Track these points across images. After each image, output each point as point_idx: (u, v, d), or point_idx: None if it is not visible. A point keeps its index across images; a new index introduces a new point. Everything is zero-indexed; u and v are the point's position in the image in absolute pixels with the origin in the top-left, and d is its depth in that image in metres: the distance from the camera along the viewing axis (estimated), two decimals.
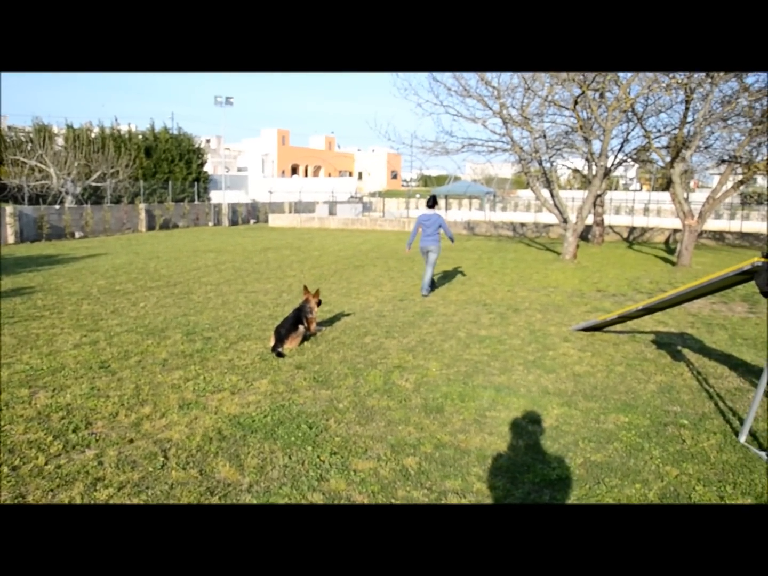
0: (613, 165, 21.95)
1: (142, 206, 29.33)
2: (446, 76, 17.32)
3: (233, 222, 35.03)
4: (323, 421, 5.11)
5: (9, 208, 22.67)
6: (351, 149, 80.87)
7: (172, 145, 37.37)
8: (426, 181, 73.82)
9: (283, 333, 7.27)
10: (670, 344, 7.76)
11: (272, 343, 7.22)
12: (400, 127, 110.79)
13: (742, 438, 4.78)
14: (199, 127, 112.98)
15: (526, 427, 5.02)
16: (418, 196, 48.94)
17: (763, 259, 4.93)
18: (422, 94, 51.06)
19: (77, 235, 25.26)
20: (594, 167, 18.92)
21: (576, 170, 24.99)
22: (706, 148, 18.91)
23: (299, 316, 7.65)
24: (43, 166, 28.62)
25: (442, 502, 3.83)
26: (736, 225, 31.19)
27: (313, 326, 7.88)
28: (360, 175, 75.42)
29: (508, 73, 16.66)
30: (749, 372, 6.64)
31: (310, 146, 72.89)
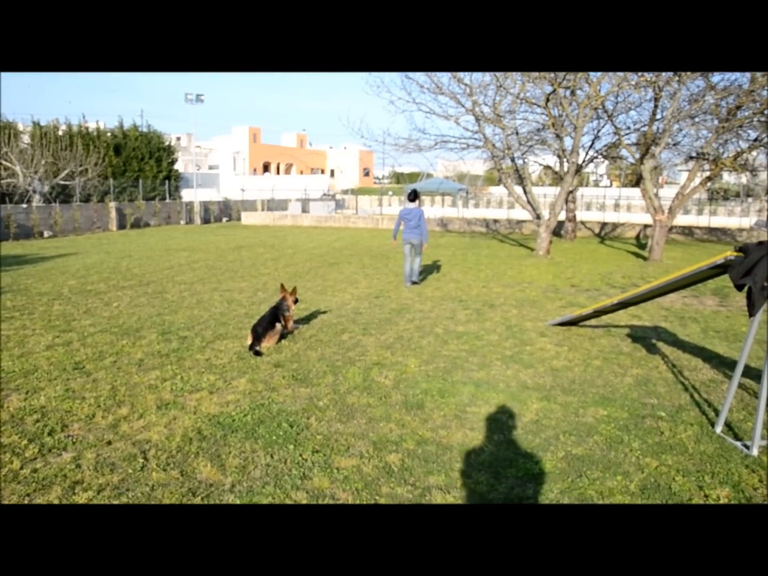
0: (584, 161, 22.19)
1: (112, 205, 28.91)
2: (418, 74, 17.36)
3: (205, 220, 34.70)
4: (304, 420, 5.08)
5: None
6: (323, 147, 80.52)
7: (141, 143, 36.82)
8: (398, 178, 73.81)
9: (260, 331, 7.21)
10: (644, 338, 7.86)
11: (249, 341, 7.16)
12: (373, 125, 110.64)
13: (718, 429, 4.86)
14: (169, 125, 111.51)
15: (507, 422, 5.05)
16: (390, 193, 48.96)
17: (735, 253, 5.01)
18: (395, 92, 51.25)
19: (46, 234, 24.82)
20: (566, 164, 19.10)
21: (548, 167, 25.22)
22: (674, 145, 19.23)
23: (276, 314, 7.60)
24: (8, 164, 28.01)
25: (427, 497, 3.83)
26: (704, 220, 31.76)
27: (291, 324, 7.84)
28: (332, 173, 75.12)
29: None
30: (722, 364, 6.75)
31: (281, 144, 72.35)
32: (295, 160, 70.45)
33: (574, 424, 5.02)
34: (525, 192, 18.60)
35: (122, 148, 36.10)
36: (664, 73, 15.44)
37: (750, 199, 38.72)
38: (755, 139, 17.04)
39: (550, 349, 7.27)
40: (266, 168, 67.35)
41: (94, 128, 36.11)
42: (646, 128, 18.26)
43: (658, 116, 17.60)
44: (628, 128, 19.66)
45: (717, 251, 19.31)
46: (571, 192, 21.78)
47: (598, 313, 8.03)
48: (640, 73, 15.55)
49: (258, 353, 6.94)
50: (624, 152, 24.46)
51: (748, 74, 15.28)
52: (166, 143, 39.43)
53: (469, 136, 17.96)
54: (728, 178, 42.46)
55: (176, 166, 40.86)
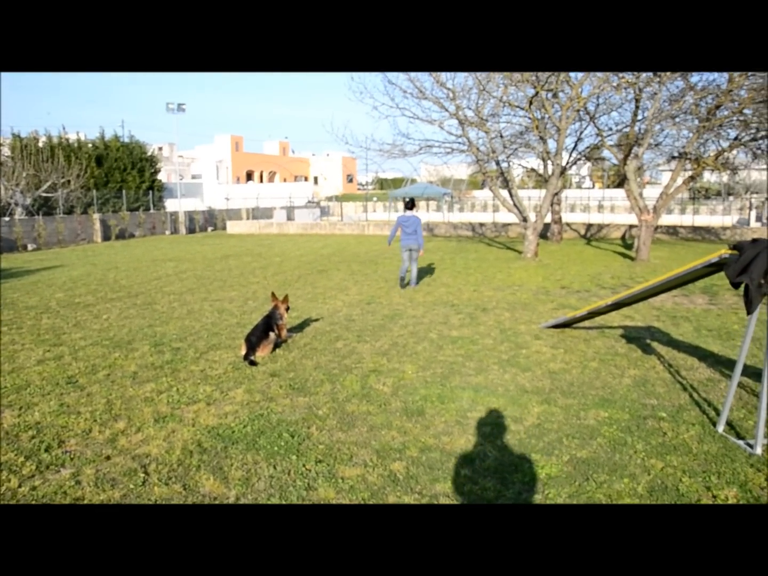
0: (568, 163, 22.33)
1: (96, 216, 28.64)
2: (401, 79, 17.43)
3: (190, 230, 34.47)
4: (304, 429, 5.03)
5: None
6: (306, 154, 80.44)
7: (123, 154, 36.54)
8: (382, 184, 73.85)
9: (254, 341, 7.15)
10: (639, 338, 7.89)
11: (244, 351, 7.10)
12: (356, 131, 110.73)
13: (720, 428, 4.86)
14: (151, 135, 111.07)
15: (509, 427, 5.03)
16: (375, 199, 48.98)
17: (730, 251, 5.03)
18: (378, 97, 51.10)
19: (30, 247, 24.55)
20: (550, 166, 19.19)
21: (532, 169, 25.34)
22: (656, 145, 19.39)
23: (269, 323, 7.54)
24: None
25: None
26: (687, 219, 32.04)
27: (284, 333, 7.78)
28: (316, 180, 75.06)
29: (463, 75, 16.78)
30: (718, 362, 6.78)
31: (264, 152, 72.15)
32: (278, 168, 70.32)
33: (576, 426, 5.00)
34: (511, 195, 18.65)
35: (104, 159, 35.80)
36: (644, 74, 15.60)
37: (731, 198, 39.18)
38: (735, 138, 17.24)
39: (546, 352, 7.27)
40: (249, 176, 67.16)
41: (75, 139, 35.81)
42: (628, 129, 18.43)
43: (640, 117, 17.80)
44: (610, 129, 19.86)
45: (703, 249, 19.49)
46: (556, 194, 21.88)
47: (591, 315, 8.04)
48: (620, 75, 15.70)
49: (253, 363, 6.88)
50: (607, 153, 24.69)
51: (726, 74, 15.48)
52: (149, 153, 39.17)
53: (454, 140, 17.99)
54: (709, 177, 42.90)
55: (159, 176, 40.59)
